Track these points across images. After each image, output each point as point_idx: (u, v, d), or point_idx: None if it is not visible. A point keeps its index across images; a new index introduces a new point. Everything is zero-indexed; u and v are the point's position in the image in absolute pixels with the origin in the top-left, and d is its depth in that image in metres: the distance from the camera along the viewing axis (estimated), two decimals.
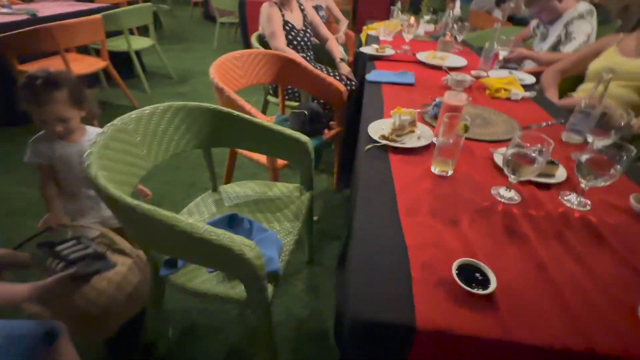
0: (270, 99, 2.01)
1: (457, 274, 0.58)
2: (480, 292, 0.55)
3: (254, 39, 1.99)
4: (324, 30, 2.05)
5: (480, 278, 0.58)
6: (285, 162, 1.38)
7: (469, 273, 0.58)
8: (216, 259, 0.75)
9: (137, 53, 2.97)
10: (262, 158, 1.40)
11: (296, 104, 1.96)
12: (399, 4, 2.58)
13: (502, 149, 0.94)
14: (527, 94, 1.36)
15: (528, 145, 0.71)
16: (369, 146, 0.95)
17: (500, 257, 0.64)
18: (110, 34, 2.85)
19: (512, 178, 0.76)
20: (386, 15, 3.78)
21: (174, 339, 1.15)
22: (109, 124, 0.87)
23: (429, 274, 0.60)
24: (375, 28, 2.32)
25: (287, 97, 1.91)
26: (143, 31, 3.45)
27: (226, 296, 0.85)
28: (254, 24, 3.94)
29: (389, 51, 1.79)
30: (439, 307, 0.54)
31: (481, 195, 0.80)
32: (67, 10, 2.55)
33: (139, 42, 2.98)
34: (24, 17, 2.30)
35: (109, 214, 1.17)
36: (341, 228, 1.66)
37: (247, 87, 1.61)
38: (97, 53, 2.74)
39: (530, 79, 1.54)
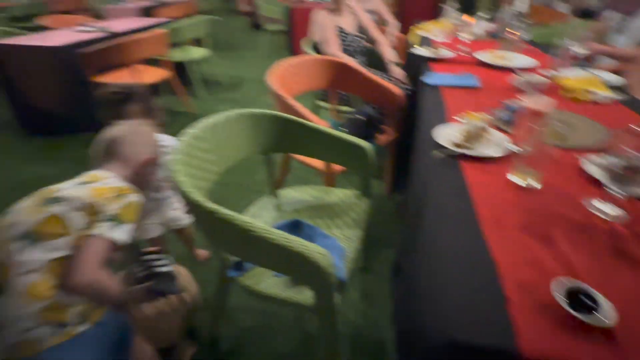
0: (320, 103, 2.01)
1: (565, 300, 0.52)
2: (598, 322, 0.49)
3: (306, 46, 2.02)
4: (375, 33, 2.03)
5: (589, 304, 0.51)
6: (341, 167, 1.37)
7: (575, 298, 0.52)
8: (288, 265, 0.75)
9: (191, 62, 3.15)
10: (318, 163, 1.40)
11: (346, 108, 1.95)
12: (451, 2, 2.47)
13: (594, 157, 0.85)
14: (615, 95, 1.22)
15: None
16: (438, 152, 0.91)
17: (612, 282, 0.56)
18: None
19: (617, 192, 0.67)
20: (433, 15, 3.65)
21: (231, 339, 1.17)
22: (188, 132, 0.91)
23: (527, 296, 0.54)
24: (425, 28, 2.24)
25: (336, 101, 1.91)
26: (196, 41, 3.66)
27: (294, 301, 0.85)
28: (299, 31, 4.02)
29: (445, 52, 1.71)
30: (544, 334, 0.49)
31: (575, 209, 0.72)
32: (136, 26, 2.77)
33: (196, 52, 3.15)
34: (101, 34, 2.53)
35: (171, 216, 1.23)
36: (393, 235, 1.61)
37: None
38: (157, 63, 2.95)
39: (618, 80, 1.38)
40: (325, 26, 1.87)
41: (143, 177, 0.95)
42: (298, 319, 1.26)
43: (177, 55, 3.03)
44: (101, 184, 0.79)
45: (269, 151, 1.19)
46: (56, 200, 0.74)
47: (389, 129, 1.61)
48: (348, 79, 1.66)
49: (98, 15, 4.03)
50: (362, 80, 1.62)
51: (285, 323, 1.24)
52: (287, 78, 1.56)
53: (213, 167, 1.01)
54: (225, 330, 1.21)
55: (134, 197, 0.81)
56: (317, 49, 2.00)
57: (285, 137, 1.17)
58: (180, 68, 3.09)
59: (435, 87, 1.37)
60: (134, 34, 2.49)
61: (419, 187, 0.89)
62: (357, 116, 1.52)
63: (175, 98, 3.06)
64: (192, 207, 0.74)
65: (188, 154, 0.88)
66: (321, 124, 1.19)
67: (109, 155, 0.89)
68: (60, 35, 2.52)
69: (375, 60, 2.07)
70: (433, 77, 1.44)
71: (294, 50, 4.12)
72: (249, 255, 0.80)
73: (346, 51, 1.94)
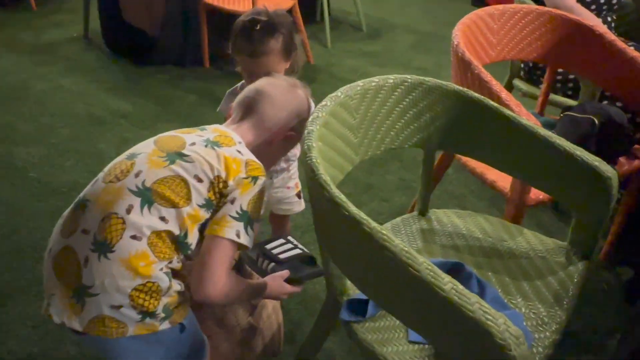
0: (519, 84, 1.92)
1: None
2: None
3: None
4: None
5: None
6: (545, 196, 1.27)
7: None
8: (449, 335, 0.72)
9: None
10: (503, 181, 1.32)
11: (564, 100, 1.79)
12: None
13: None
14: None
15: None
16: None
17: None
18: None
19: None
20: None
21: None
22: (332, 97, 0.97)
23: None
24: None
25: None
26: None
27: None
28: None
29: None
30: None
31: None
32: None
33: None
34: None
35: (279, 197, 1.34)
36: (604, 335, 1.45)
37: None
38: None
39: None
40: None
41: (274, 152, 1.05)
42: None
43: None
44: (231, 151, 0.90)
45: (432, 145, 1.18)
46: (182, 157, 0.87)
47: None
48: (583, 50, 1.54)
49: None
50: (612, 57, 1.47)
51: None
52: (478, 36, 1.52)
53: (351, 153, 1.05)
54: None
55: (264, 184, 0.91)
56: None
57: (462, 128, 1.15)
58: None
59: None
60: None
61: None
62: (587, 116, 1.38)
63: None
64: (323, 203, 0.78)
65: (327, 127, 0.93)
66: (530, 119, 1.12)
67: (244, 111, 1.00)
68: None
69: (636, 26, 1.85)
70: None
71: None
72: (389, 298, 0.81)
73: (587, 5, 1.78)
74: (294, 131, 1.02)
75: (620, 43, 1.49)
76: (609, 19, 1.84)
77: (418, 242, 1.16)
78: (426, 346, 0.90)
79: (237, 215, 0.86)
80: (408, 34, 3.67)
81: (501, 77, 1.93)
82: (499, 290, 1.02)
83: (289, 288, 0.98)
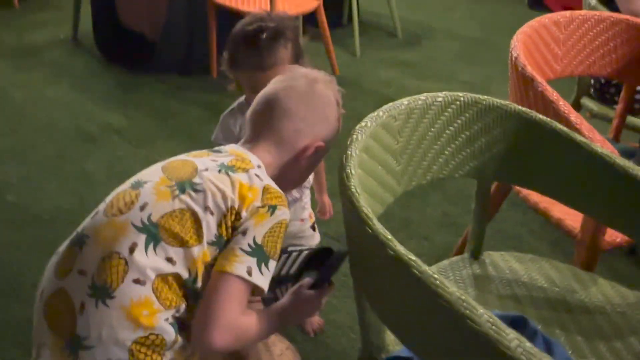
0: (589, 104, 1.94)
1: None
2: None
3: None
4: None
5: None
6: (621, 239, 1.27)
7: None
8: None
9: None
10: (572, 219, 1.33)
11: None
12: None
13: None
14: None
15: None
16: None
17: None
18: None
19: None
20: None
21: None
22: (373, 116, 1.00)
23: None
24: None
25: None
26: None
27: None
28: None
29: None
30: None
31: None
32: None
33: None
34: None
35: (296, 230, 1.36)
36: None
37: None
38: None
39: None
40: None
41: (303, 170, 1.06)
42: None
43: None
44: (248, 177, 0.91)
45: (488, 176, 1.20)
46: (193, 185, 0.89)
47: None
48: None
49: None
50: None
51: None
52: (541, 48, 1.55)
53: (393, 183, 1.07)
54: None
55: (283, 215, 0.92)
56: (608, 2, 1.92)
57: (523, 155, 1.16)
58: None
59: None
60: None
61: None
62: None
63: (317, 44, 3.26)
64: (364, 240, 0.81)
65: (367, 152, 0.96)
66: (605, 146, 1.14)
67: (257, 129, 1.02)
68: None
69: None
70: None
71: None
72: (439, 355, 0.82)
73: None
74: (323, 141, 1.03)
75: None
76: None
77: (470, 290, 1.17)
78: None
79: (249, 249, 0.86)
80: (451, 40, 3.72)
81: (567, 95, 1.94)
82: (570, 352, 1.02)
83: (314, 294, 0.95)
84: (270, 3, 2.72)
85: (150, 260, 0.84)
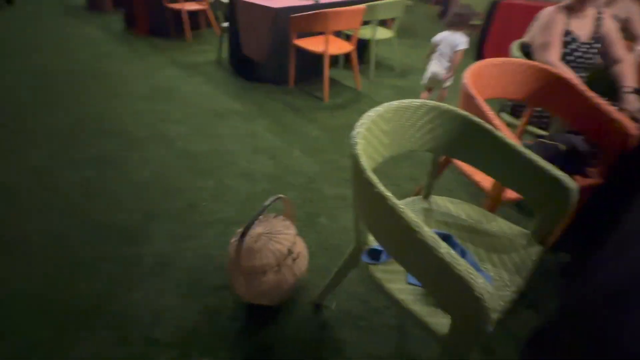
0: (504, 116, 1.74)
1: None
2: None
3: (515, 48, 1.72)
4: (619, 48, 1.55)
5: None
6: (515, 195, 1.15)
7: None
8: (440, 284, 0.66)
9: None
10: (486, 181, 1.21)
11: (537, 130, 1.61)
12: None
13: None
14: None
15: None
16: None
17: None
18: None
19: None
20: None
21: (331, 319, 1.19)
22: (375, 110, 0.90)
23: None
24: None
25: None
26: (380, 22, 3.65)
27: (423, 321, 0.76)
28: (497, 31, 3.52)
29: None
30: None
31: None
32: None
33: (381, 33, 3.17)
34: (310, 2, 2.81)
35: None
36: (544, 298, 1.31)
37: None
38: (346, 37, 3.10)
39: None
40: (550, 27, 1.53)
41: None
42: (401, 328, 1.18)
43: (366, 32, 3.11)
44: None
45: (439, 151, 1.09)
46: None
47: (594, 171, 1.25)
48: (559, 95, 1.35)
49: None
50: (580, 102, 1.28)
51: (385, 324, 1.18)
52: (483, 78, 1.38)
53: (384, 151, 0.98)
54: (329, 303, 1.24)
55: None
56: (526, 52, 1.68)
57: (464, 142, 1.05)
58: (360, 45, 3.17)
59: None
60: (337, 6, 2.66)
61: (628, 267, 0.65)
62: (555, 143, 1.22)
63: (348, 72, 3.20)
64: (362, 185, 0.73)
65: (369, 130, 0.87)
66: (511, 138, 1.00)
67: None
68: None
69: (601, 83, 1.61)
70: None
71: (481, 51, 3.67)
72: (398, 251, 0.76)
73: (568, 62, 1.57)
74: None
75: (588, 92, 1.31)
76: (582, 75, 1.62)
77: (421, 216, 1.09)
78: (419, 288, 0.84)
79: None
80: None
81: (493, 109, 1.76)
82: (476, 258, 0.94)
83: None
84: (325, 46, 2.54)
85: None
